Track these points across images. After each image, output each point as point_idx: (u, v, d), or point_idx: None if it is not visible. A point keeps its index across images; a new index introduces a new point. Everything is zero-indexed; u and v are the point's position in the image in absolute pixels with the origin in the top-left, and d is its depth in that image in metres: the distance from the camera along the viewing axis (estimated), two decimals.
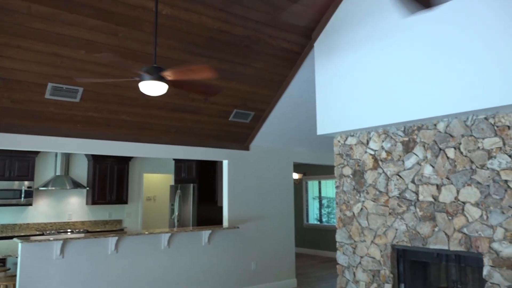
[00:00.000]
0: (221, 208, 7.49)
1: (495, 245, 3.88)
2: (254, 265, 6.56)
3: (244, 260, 6.47)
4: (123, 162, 8.29)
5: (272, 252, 6.83)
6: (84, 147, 5.29)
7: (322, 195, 11.28)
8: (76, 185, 7.55)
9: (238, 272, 6.36)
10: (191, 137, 6.13)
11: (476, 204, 4.05)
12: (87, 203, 7.92)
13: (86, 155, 7.97)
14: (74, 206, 7.81)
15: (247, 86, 5.71)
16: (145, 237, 5.51)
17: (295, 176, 10.76)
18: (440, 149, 4.37)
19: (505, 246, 3.82)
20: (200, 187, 7.75)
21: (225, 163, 6.55)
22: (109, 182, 8.10)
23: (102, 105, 5.01)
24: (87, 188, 7.82)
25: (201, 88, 3.75)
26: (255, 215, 6.70)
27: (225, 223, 6.38)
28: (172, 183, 8.96)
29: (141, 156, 6.09)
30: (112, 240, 5.18)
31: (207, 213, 7.68)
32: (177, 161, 8.34)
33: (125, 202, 8.32)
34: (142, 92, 4.91)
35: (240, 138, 6.60)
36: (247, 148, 6.77)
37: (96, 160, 7.88)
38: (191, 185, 7.72)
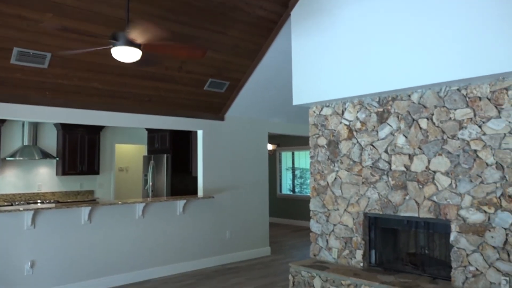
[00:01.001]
0: (195, 178, 7.46)
1: (462, 212, 4.05)
2: (228, 234, 6.63)
3: (219, 229, 6.53)
4: (94, 132, 8.08)
5: (247, 222, 6.92)
6: (53, 115, 5.10)
7: (295, 166, 11.42)
8: (45, 155, 7.33)
9: (213, 241, 6.43)
10: (165, 107, 6.01)
11: (446, 173, 4.18)
12: (57, 174, 7.72)
13: (55, 125, 7.71)
14: (44, 177, 7.60)
15: (222, 55, 5.60)
16: (119, 207, 5.45)
17: (269, 147, 10.81)
18: (414, 119, 4.46)
19: (471, 213, 3.99)
20: (174, 157, 7.68)
21: (200, 133, 6.49)
22: (80, 152, 7.90)
23: (72, 72, 4.81)
24: (57, 159, 7.61)
25: (184, 50, 3.63)
26: (229, 185, 6.72)
27: (200, 193, 6.38)
28: (145, 153, 8.84)
29: (113, 125, 5.96)
30: (85, 210, 5.09)
31: (181, 183, 7.65)
32: (150, 132, 8.19)
33: (97, 173, 8.16)
34: (114, 59, 4.73)
35: (215, 108, 6.52)
36: (222, 118, 6.71)
37: (65, 130, 7.64)
38: (165, 155, 7.64)
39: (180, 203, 6.01)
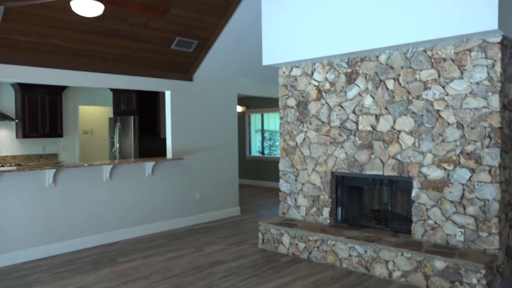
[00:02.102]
0: (164, 140, 7.37)
1: (424, 170, 4.23)
2: (198, 195, 6.67)
3: (189, 190, 6.55)
4: (56, 92, 7.75)
5: (217, 183, 6.97)
6: (9, 74, 4.84)
7: (265, 128, 11.47)
8: (3, 117, 7.01)
9: (183, 202, 6.46)
10: (130, 66, 5.81)
11: (410, 133, 4.32)
12: (17, 137, 7.43)
13: (13, 85, 7.33)
14: (3, 140, 7.30)
15: (190, 11, 5.41)
16: (85, 169, 5.34)
17: (239, 109, 10.76)
18: (381, 80, 4.53)
19: (432, 170, 4.17)
20: (141, 119, 7.52)
21: (168, 94, 6.36)
22: (41, 114, 7.59)
23: (30, 27, 4.54)
24: (16, 121, 7.30)
25: (144, 7, 3.48)
26: (199, 146, 6.69)
27: (169, 154, 6.33)
28: (111, 115, 8.60)
29: (75, 85, 5.73)
30: (49, 173, 4.97)
31: (150, 145, 7.55)
32: (116, 92, 7.95)
33: (60, 136, 7.91)
34: (76, 14, 4.48)
35: (183, 68, 6.37)
36: (190, 79, 6.58)
37: (24, 90, 7.29)
38: (132, 117, 7.47)
39: (148, 165, 5.96)
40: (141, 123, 7.51)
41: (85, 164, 5.23)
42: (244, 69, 7.06)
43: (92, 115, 9.48)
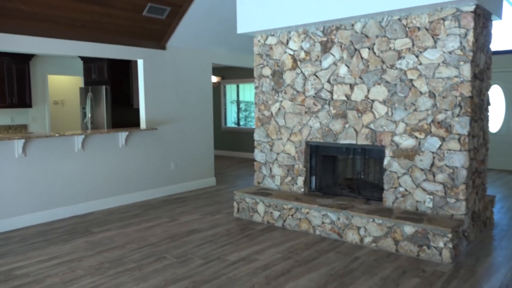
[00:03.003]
0: (137, 110, 7.24)
1: (396, 138, 4.31)
2: (173, 165, 6.63)
3: (164, 160, 6.50)
4: (22, 61, 7.44)
5: (192, 153, 6.92)
6: None
7: (240, 99, 11.39)
8: None
9: (158, 173, 6.41)
10: (100, 33, 5.60)
11: (383, 102, 4.37)
12: None
13: None
14: None
15: None
16: (56, 139, 5.20)
17: (214, 79, 10.62)
18: (356, 49, 4.52)
19: (404, 139, 4.25)
20: (113, 89, 7.33)
21: (140, 63, 6.18)
22: (8, 83, 7.29)
23: None
24: None
25: None
26: (173, 117, 6.60)
27: (143, 125, 6.22)
28: (82, 85, 8.35)
29: (42, 53, 5.50)
30: (18, 143, 4.82)
31: (123, 116, 7.40)
32: (86, 61, 7.68)
33: (29, 106, 7.65)
34: None
35: (155, 36, 6.19)
36: (163, 47, 6.40)
37: None
38: (103, 87, 7.27)
39: (122, 135, 5.85)
40: (113, 93, 7.32)
41: (56, 135, 5.09)
42: (219, 38, 6.92)
43: (62, 85, 9.17)
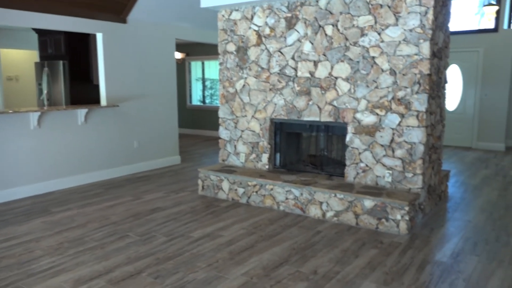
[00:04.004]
0: (97, 86, 7.00)
1: (358, 115, 4.39)
2: (136, 143, 6.50)
3: (126, 138, 6.35)
4: None
5: (155, 131, 6.80)
6: None
7: (206, 76, 11.23)
8: None
9: (120, 151, 6.27)
10: (55, 4, 5.30)
11: (346, 79, 4.42)
12: None
13: None
14: None
15: None
16: (9, 116, 4.96)
17: (178, 55, 10.39)
18: (320, 26, 4.52)
19: (366, 116, 4.33)
20: (71, 64, 7.02)
21: (99, 37, 5.94)
22: None
23: None
24: None
25: None
26: (135, 93, 6.42)
27: (103, 101, 6.03)
28: (37, 60, 7.95)
29: None
30: None
31: (82, 92, 7.13)
32: (41, 34, 7.30)
33: None
34: None
35: (115, 8, 5.94)
36: (124, 21, 6.17)
37: None
38: (61, 62, 6.95)
39: (81, 112, 5.65)
40: (71, 68, 7.02)
41: (10, 111, 4.85)
42: (182, 12, 6.73)
43: (16, 59, 8.71)
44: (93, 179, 5.91)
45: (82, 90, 7.13)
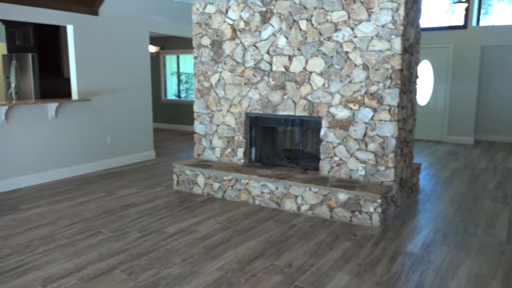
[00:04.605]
0: (68, 80, 6.82)
1: (332, 110, 4.43)
2: (109, 138, 6.37)
3: (99, 133, 6.22)
4: None
5: (129, 126, 6.69)
6: None
7: (181, 70, 11.11)
8: None
9: (93, 146, 6.13)
10: None
11: (321, 74, 4.45)
12: None
13: None
14: None
15: None
16: None
17: (152, 49, 10.23)
18: (294, 20, 4.53)
19: (339, 110, 4.38)
20: (41, 57, 6.83)
21: (70, 29, 5.78)
22: None
23: None
24: None
25: None
26: (108, 87, 6.29)
27: (75, 95, 5.88)
28: (5, 52, 7.68)
29: None
30: None
31: (52, 86, 6.94)
32: (9, 26, 7.05)
33: None
34: None
35: (86, 0, 5.78)
36: (95, 13, 6.02)
37: None
38: (30, 54, 6.75)
39: (51, 106, 5.49)
40: (41, 61, 6.83)
41: None
42: (156, 5, 6.62)
43: None
44: (64, 175, 5.77)
45: (52, 83, 6.94)
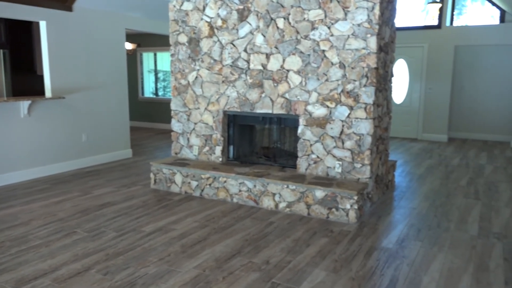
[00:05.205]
0: (42, 77, 6.66)
1: (309, 108, 4.47)
2: (85, 137, 6.26)
3: (74, 132, 6.09)
4: None
5: (105, 124, 6.58)
6: None
7: (158, 68, 10.99)
8: None
9: (67, 145, 6.01)
10: None
11: (298, 72, 4.48)
12: None
13: None
14: None
15: None
16: None
17: (129, 46, 10.08)
18: (272, 18, 4.54)
19: (316, 108, 4.42)
20: (13, 53, 6.64)
21: (43, 25, 5.63)
22: None
23: None
24: None
25: None
26: (84, 85, 6.17)
27: (48, 93, 5.74)
28: None
29: None
30: None
31: (25, 83, 6.77)
32: None
33: None
34: None
35: None
36: (69, 9, 5.89)
37: None
38: (1, 51, 6.55)
39: (24, 104, 5.35)
40: (13, 57, 6.64)
41: None
42: (132, 2, 6.53)
43: None
44: (38, 174, 5.64)
45: (25, 81, 6.77)
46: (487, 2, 8.57)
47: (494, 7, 8.51)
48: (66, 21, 5.84)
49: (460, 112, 9.27)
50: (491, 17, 8.62)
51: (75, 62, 6.01)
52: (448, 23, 8.81)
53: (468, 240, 3.61)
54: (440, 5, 8.21)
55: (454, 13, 8.95)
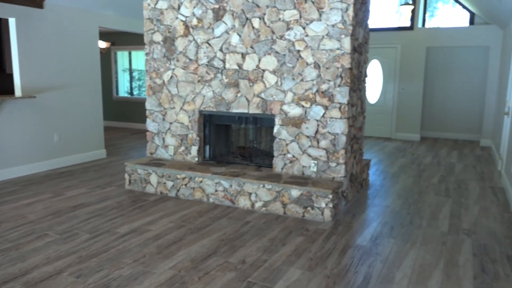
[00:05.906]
0: (11, 76, 6.46)
1: (285, 107, 4.49)
2: (57, 137, 6.11)
3: (45, 132, 5.94)
4: None
5: (78, 124, 6.44)
6: None
7: (133, 67, 10.83)
8: None
9: (38, 145, 5.85)
10: None
11: (273, 72, 4.50)
12: None
13: None
14: None
15: None
16: None
17: (102, 44, 9.90)
18: (247, 18, 4.55)
19: (292, 108, 4.45)
20: None
21: (12, 22, 5.47)
22: None
23: None
24: None
25: None
26: (55, 84, 6.02)
27: (18, 92, 5.58)
28: None
29: None
30: None
31: None
32: None
33: None
34: None
35: None
36: (40, 6, 5.74)
37: None
38: None
39: None
40: None
41: None
42: None
43: None
44: (8, 176, 5.47)
45: None
46: (457, 4, 8.82)
47: (465, 10, 8.77)
48: (36, 18, 5.69)
49: (432, 112, 9.51)
50: (462, 19, 8.87)
51: (46, 60, 5.86)
52: (420, 25, 9.02)
53: (439, 236, 3.71)
54: (412, 7, 8.39)
55: (426, 15, 9.17)
